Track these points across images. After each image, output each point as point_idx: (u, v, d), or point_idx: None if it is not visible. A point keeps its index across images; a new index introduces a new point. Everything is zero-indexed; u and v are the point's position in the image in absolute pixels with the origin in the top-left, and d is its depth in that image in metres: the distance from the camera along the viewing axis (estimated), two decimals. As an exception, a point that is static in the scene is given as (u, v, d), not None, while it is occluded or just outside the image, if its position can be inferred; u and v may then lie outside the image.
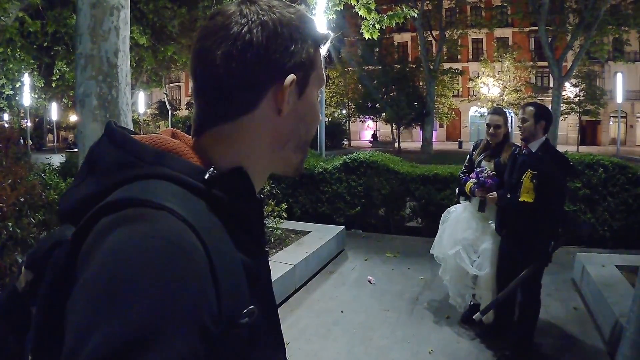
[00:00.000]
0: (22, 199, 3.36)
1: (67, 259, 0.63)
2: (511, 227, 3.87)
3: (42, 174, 4.59)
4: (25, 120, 29.75)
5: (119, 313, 0.52)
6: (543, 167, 3.58)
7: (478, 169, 4.14)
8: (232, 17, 0.74)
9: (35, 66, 17.61)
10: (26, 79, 19.77)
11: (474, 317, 4.14)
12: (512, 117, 31.71)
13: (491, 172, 4.06)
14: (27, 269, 0.72)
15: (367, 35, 7.68)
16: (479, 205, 4.20)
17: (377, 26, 7.58)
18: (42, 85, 21.61)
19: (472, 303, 4.43)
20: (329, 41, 0.85)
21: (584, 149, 32.48)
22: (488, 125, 4.24)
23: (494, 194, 4.00)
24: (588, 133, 41.31)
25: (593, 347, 4.05)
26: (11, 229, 3.18)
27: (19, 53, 15.18)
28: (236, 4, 0.77)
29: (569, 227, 3.64)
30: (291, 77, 0.75)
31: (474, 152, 4.47)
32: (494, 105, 35.38)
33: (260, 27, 0.73)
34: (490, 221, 4.16)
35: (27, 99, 22.09)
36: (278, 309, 0.85)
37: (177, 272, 0.56)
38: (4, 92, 19.26)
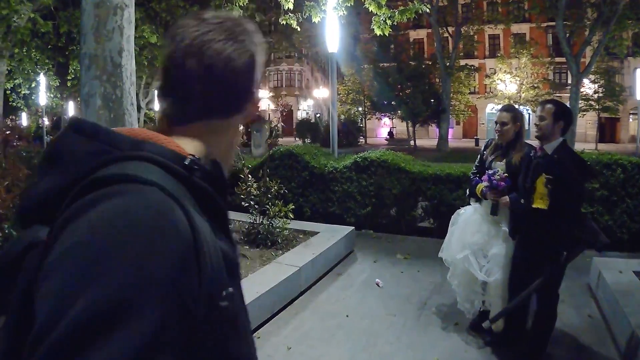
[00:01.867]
0: (19, 202, 3.31)
1: (42, 260, 0.60)
2: (523, 235, 3.71)
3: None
4: (43, 120, 30.06)
5: (102, 282, 0.52)
6: (559, 171, 3.38)
7: (490, 171, 3.96)
8: (207, 34, 0.80)
9: (51, 65, 17.79)
10: (42, 78, 19.98)
11: (482, 324, 4.01)
12: (529, 114, 31.42)
13: (503, 173, 3.89)
14: None
15: (378, 32, 7.57)
16: (491, 208, 4.04)
17: (388, 22, 7.46)
18: (58, 84, 21.82)
19: (481, 309, 4.29)
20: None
21: (602, 146, 31.94)
22: (495, 123, 4.08)
23: (506, 199, 3.85)
24: (607, 130, 40.58)
25: (608, 360, 3.88)
26: (7, 231, 3.13)
27: (34, 53, 15.36)
28: (196, 20, 0.83)
29: (585, 238, 3.44)
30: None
31: (485, 152, 4.30)
32: (511, 102, 35.02)
33: (243, 52, 0.82)
34: (502, 225, 3.99)
35: (43, 98, 22.30)
36: (282, 312, 1.44)
37: (163, 246, 0.57)
38: (20, 92, 19.52)
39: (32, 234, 0.70)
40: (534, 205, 3.47)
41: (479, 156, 4.39)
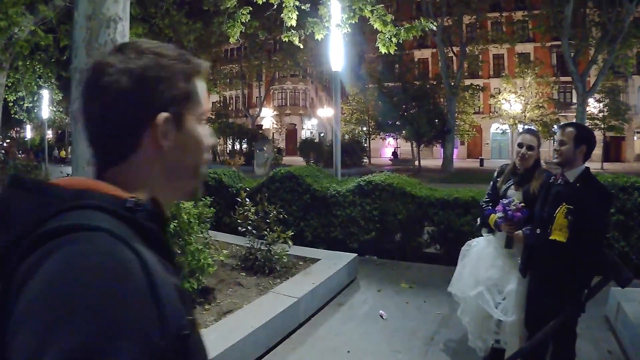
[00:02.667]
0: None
1: None
2: (538, 269, 3.41)
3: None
4: (45, 133, 30.20)
5: (71, 331, 0.54)
6: (582, 202, 3.10)
7: (505, 201, 3.65)
8: (104, 69, 0.78)
9: (54, 79, 17.80)
10: (45, 91, 19.98)
11: None
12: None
13: (520, 203, 3.57)
14: None
15: (383, 50, 7.37)
16: (506, 241, 3.74)
17: (393, 40, 7.25)
18: (61, 98, 21.80)
19: (494, 347, 3.96)
20: (205, 68, 0.89)
21: (607, 165, 31.81)
22: (520, 145, 3.73)
23: (519, 234, 3.55)
24: (612, 149, 40.44)
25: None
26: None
27: (37, 66, 15.34)
28: (109, 55, 0.81)
29: (608, 274, 3.16)
30: (162, 115, 0.80)
31: (498, 179, 4.00)
32: (517, 121, 34.93)
33: (126, 76, 0.78)
34: (518, 259, 3.67)
35: (45, 111, 22.31)
36: (278, 346, 1.30)
37: (123, 289, 0.59)
38: (24, 104, 19.50)
39: None
40: (551, 237, 3.17)
41: (491, 183, 4.09)
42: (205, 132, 0.91)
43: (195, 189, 0.92)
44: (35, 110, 23.81)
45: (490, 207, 3.84)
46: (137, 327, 0.58)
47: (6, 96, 16.91)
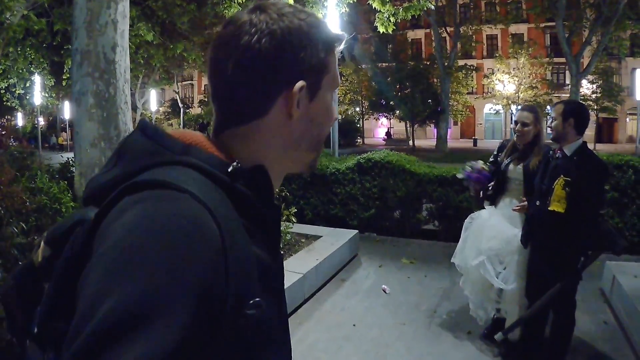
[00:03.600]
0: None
1: (87, 237, 0.65)
2: (538, 239, 3.50)
3: (35, 178, 4.31)
4: (38, 119, 29.88)
5: (131, 282, 0.54)
6: (579, 174, 3.18)
7: (468, 167, 4.04)
8: (243, 27, 0.77)
9: (46, 65, 17.58)
10: (36, 78, 19.73)
11: (495, 337, 3.80)
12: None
13: (481, 166, 4.00)
14: (45, 245, 0.75)
15: (381, 29, 7.36)
16: (474, 200, 4.04)
17: (392, 19, 7.24)
18: (53, 84, 21.58)
19: (495, 317, 4.07)
20: (343, 42, 0.86)
21: (600, 146, 31.93)
22: (516, 123, 3.84)
23: (525, 204, 3.65)
24: (605, 130, 40.52)
25: (626, 368, 3.67)
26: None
27: (28, 52, 15.14)
28: (247, 13, 0.79)
29: (603, 243, 3.25)
30: (300, 84, 0.78)
31: (499, 154, 4.08)
32: (510, 102, 34.96)
33: (269, 37, 0.76)
34: (519, 230, 3.77)
35: (37, 98, 22.06)
36: None
37: (191, 250, 0.58)
38: (15, 91, 19.28)
39: (83, 212, 0.73)
40: (550, 208, 3.25)
41: (492, 157, 4.17)
42: (333, 105, 0.88)
43: (312, 163, 0.89)
44: (28, 97, 23.56)
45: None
46: (197, 289, 0.57)
47: (-2, 83, 16.78)
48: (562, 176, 3.21)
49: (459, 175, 4.03)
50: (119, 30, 4.73)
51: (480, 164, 3.86)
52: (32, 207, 3.61)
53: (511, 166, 3.87)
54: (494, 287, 3.85)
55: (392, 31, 7.77)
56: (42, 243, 0.76)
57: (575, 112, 3.34)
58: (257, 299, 0.66)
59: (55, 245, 0.73)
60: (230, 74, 0.77)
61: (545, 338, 3.64)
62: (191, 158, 0.71)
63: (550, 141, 3.70)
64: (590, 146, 3.36)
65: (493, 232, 3.88)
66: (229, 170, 0.72)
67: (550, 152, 3.48)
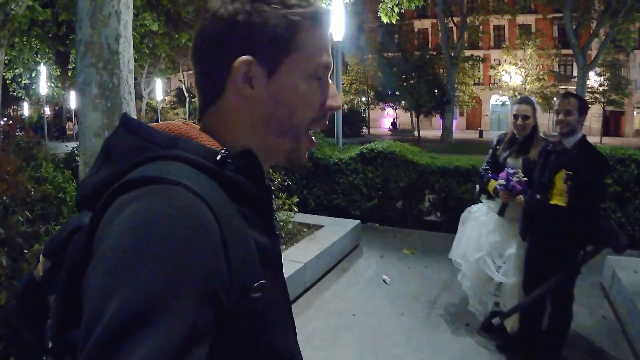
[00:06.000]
0: (4, 197, 3.12)
1: (86, 243, 0.66)
2: (538, 232, 3.51)
3: (40, 167, 4.37)
4: (44, 109, 29.96)
5: (135, 279, 0.54)
6: (580, 167, 3.19)
7: (510, 170, 3.72)
8: (203, 16, 0.80)
9: (51, 55, 17.62)
10: (42, 68, 19.77)
11: (492, 320, 3.83)
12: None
13: (523, 177, 3.65)
14: (45, 257, 0.75)
15: (385, 19, 7.33)
16: (499, 208, 3.85)
17: (395, 9, 7.21)
18: (59, 74, 21.63)
19: (493, 310, 4.09)
20: (319, 17, 0.82)
21: (607, 140, 31.71)
22: (515, 117, 3.81)
23: (521, 197, 3.65)
24: (611, 124, 40.21)
25: (624, 363, 3.70)
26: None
27: (34, 42, 15.17)
28: (210, 2, 0.81)
29: (604, 239, 3.25)
30: (243, 58, 0.76)
31: (497, 147, 4.07)
32: (516, 93, 34.73)
33: (215, 20, 0.78)
34: (518, 223, 3.78)
35: (43, 88, 22.13)
36: None
37: (191, 241, 0.59)
38: (21, 81, 19.36)
39: (79, 219, 0.74)
40: (551, 202, 3.27)
41: (490, 151, 4.17)
42: (316, 89, 0.83)
43: (293, 155, 0.86)
44: (34, 87, 23.62)
45: (492, 174, 3.92)
46: (200, 279, 0.58)
47: (4, 73, 16.80)
48: (563, 169, 3.23)
49: (500, 182, 3.74)
50: (123, 21, 4.75)
51: (520, 173, 3.69)
52: (37, 196, 3.66)
53: (510, 159, 3.87)
54: (492, 280, 3.85)
55: (398, 21, 7.75)
56: (41, 256, 0.76)
57: (587, 109, 3.35)
58: (262, 281, 0.67)
59: (55, 256, 0.74)
60: (192, 58, 0.82)
61: (542, 331, 3.66)
62: (178, 151, 0.71)
63: (543, 134, 3.71)
64: (597, 139, 3.39)
65: (493, 226, 3.90)
66: (217, 158, 0.72)
67: (550, 145, 3.48)
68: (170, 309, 0.54)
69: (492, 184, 3.84)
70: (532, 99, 4.05)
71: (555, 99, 31.61)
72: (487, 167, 4.08)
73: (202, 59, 0.80)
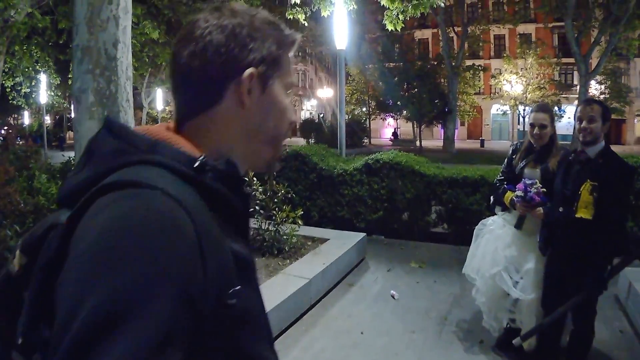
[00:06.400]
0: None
1: (61, 241, 0.66)
2: (560, 246, 3.32)
3: (33, 178, 4.19)
4: (44, 118, 29.96)
5: (110, 280, 0.55)
6: (606, 177, 3.01)
7: (528, 181, 3.52)
8: (197, 23, 0.83)
9: (51, 63, 17.59)
10: (42, 76, 19.73)
11: (513, 341, 3.61)
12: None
13: (541, 187, 3.46)
14: (21, 253, 0.75)
15: (390, 27, 7.19)
16: (517, 221, 3.65)
17: (400, 17, 7.07)
18: (59, 82, 21.57)
19: (508, 326, 3.89)
20: (295, 43, 0.91)
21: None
22: (532, 125, 3.62)
23: (540, 210, 3.45)
24: (612, 131, 40.11)
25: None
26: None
27: (34, 50, 15.13)
28: (204, 12, 0.85)
29: (632, 251, 3.08)
30: (249, 70, 0.81)
31: (513, 157, 3.88)
32: (517, 103, 34.69)
33: (219, 29, 0.81)
34: (537, 237, 3.58)
35: (43, 96, 22.07)
36: (290, 328, 1.82)
37: (168, 244, 0.60)
38: (21, 90, 19.31)
39: (56, 216, 0.74)
40: (577, 215, 3.08)
41: (505, 160, 3.98)
42: (289, 105, 0.91)
43: (272, 160, 0.92)
44: (33, 96, 23.57)
45: (509, 185, 3.73)
46: (176, 281, 0.58)
47: (3, 82, 16.71)
48: (588, 180, 3.04)
49: (517, 193, 3.55)
50: (121, 26, 4.60)
51: (538, 184, 3.51)
52: (30, 208, 3.49)
53: (527, 169, 3.69)
54: (508, 296, 3.67)
55: (399, 30, 7.63)
56: (17, 251, 0.75)
57: (610, 114, 3.18)
58: (237, 287, 0.68)
59: (31, 252, 0.73)
60: (184, 64, 0.81)
61: (562, 348, 3.49)
62: (158, 156, 0.72)
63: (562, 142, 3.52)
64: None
65: (509, 239, 3.71)
66: (195, 165, 0.73)
67: (572, 154, 3.30)
68: (145, 311, 0.54)
69: (509, 195, 3.65)
70: (549, 106, 3.87)
71: (556, 108, 31.58)
72: (502, 178, 3.90)
73: (201, 66, 0.81)
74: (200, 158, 0.74)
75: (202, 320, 0.62)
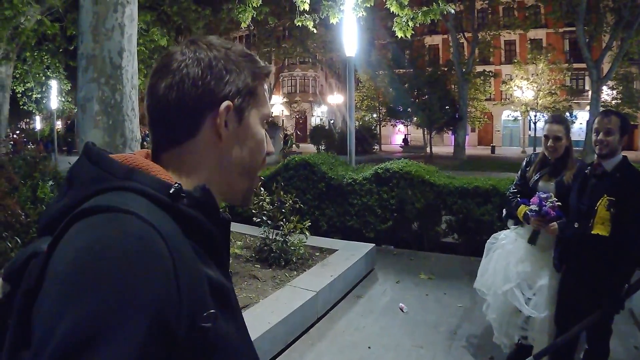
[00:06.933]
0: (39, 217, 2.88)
1: (41, 269, 0.66)
2: (576, 263, 3.20)
3: (37, 187, 4.13)
4: (54, 123, 30.17)
5: (84, 303, 0.56)
6: (623, 192, 2.89)
7: (543, 195, 3.41)
8: (174, 56, 0.84)
9: (62, 69, 17.72)
10: (53, 82, 19.85)
11: None
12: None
13: (556, 201, 3.34)
14: (4, 281, 0.75)
15: (399, 34, 7.10)
16: (530, 236, 3.53)
17: (410, 24, 6.98)
18: (69, 88, 21.69)
19: (520, 342, 3.77)
20: (270, 74, 0.94)
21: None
22: (546, 137, 3.51)
23: (554, 225, 3.34)
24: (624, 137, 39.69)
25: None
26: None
27: (45, 56, 15.24)
28: (181, 45, 0.87)
29: None
30: (226, 103, 0.83)
31: (527, 169, 3.77)
32: (528, 109, 34.42)
33: (196, 62, 0.83)
34: (551, 253, 3.46)
35: (54, 102, 22.19)
36: (296, 342, 1.83)
37: (142, 267, 0.61)
38: (32, 95, 19.45)
39: (37, 245, 0.74)
40: (593, 232, 2.96)
41: (519, 173, 3.87)
42: (265, 136, 0.92)
43: (245, 193, 0.93)
44: (44, 101, 23.71)
45: (522, 199, 3.61)
46: (150, 304, 0.58)
47: (14, 87, 16.84)
48: (605, 195, 2.92)
49: (532, 207, 3.42)
50: (127, 35, 4.56)
51: (553, 198, 3.38)
52: (33, 219, 3.43)
53: (541, 182, 3.57)
54: (520, 313, 3.55)
55: (409, 37, 7.54)
56: (0, 280, 0.76)
57: (629, 126, 3.07)
58: (212, 311, 0.68)
59: (14, 280, 0.73)
60: (161, 96, 0.82)
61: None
62: (133, 183, 0.73)
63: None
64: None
65: (521, 255, 3.59)
66: (171, 192, 0.73)
67: (588, 167, 3.18)
68: (118, 335, 0.55)
69: (522, 209, 3.53)
70: (565, 117, 3.75)
71: (567, 113, 31.28)
72: (515, 190, 3.78)
73: (178, 98, 0.81)
74: (175, 185, 0.74)
75: (176, 344, 0.62)
